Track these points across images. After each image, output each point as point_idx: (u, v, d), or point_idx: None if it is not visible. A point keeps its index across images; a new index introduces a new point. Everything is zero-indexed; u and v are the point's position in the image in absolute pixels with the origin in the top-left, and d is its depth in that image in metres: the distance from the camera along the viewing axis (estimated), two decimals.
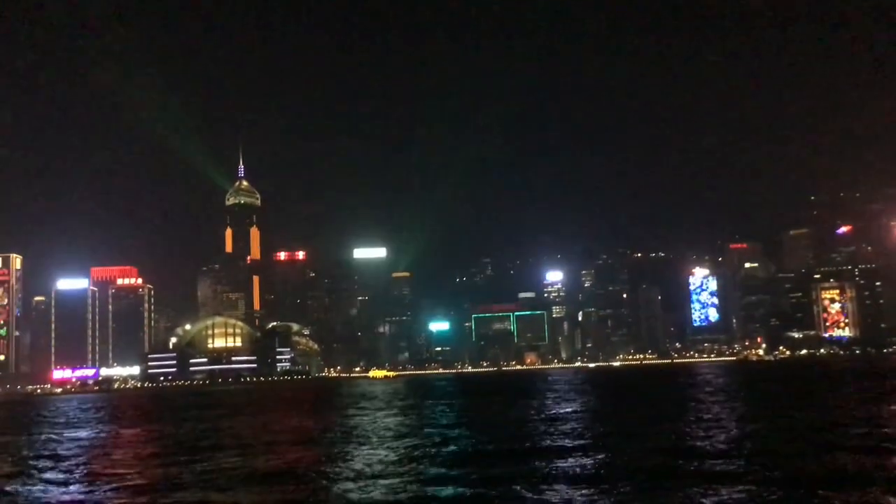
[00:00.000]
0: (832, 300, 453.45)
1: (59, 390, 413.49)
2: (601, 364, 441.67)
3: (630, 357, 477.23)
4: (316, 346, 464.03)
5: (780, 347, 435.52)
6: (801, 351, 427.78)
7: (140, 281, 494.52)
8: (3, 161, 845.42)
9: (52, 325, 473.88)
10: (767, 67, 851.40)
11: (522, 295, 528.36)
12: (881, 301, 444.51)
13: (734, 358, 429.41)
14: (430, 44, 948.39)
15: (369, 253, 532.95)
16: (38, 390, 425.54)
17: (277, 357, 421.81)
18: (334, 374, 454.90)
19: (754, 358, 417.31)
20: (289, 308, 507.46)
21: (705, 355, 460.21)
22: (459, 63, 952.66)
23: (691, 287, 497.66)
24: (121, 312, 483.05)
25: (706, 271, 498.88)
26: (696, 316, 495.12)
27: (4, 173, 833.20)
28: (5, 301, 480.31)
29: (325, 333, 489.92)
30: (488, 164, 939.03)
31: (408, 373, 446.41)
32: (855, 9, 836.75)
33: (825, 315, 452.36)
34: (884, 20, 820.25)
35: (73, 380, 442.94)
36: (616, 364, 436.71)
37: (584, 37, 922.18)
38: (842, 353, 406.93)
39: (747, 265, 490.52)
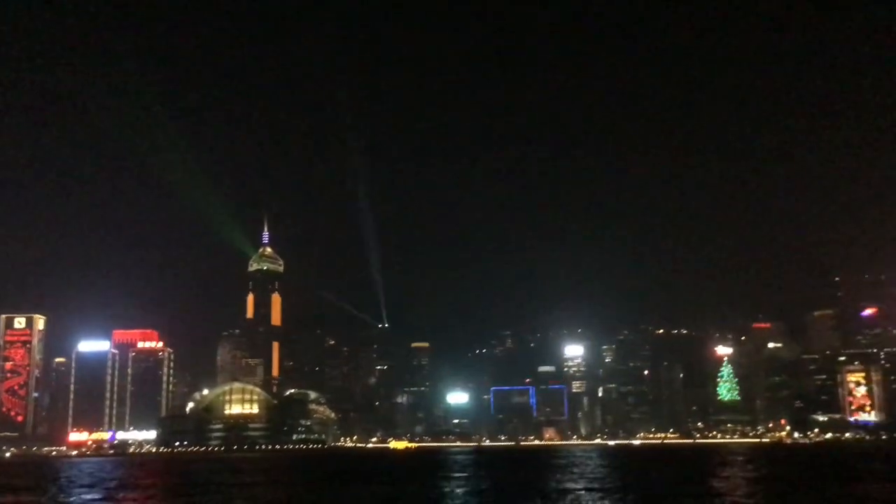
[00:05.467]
0: (857, 383, 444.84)
1: (74, 453, 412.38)
2: (621, 442, 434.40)
3: (651, 435, 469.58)
4: (333, 415, 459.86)
5: (816, 430, 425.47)
6: (826, 434, 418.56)
7: (160, 344, 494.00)
8: (31, 222, 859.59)
9: (72, 387, 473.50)
10: (798, 143, 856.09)
11: (542, 369, 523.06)
12: None
13: (759, 440, 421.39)
14: (455, 113, 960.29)
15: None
16: (54, 452, 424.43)
17: (294, 425, 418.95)
18: (350, 444, 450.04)
19: (788, 441, 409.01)
20: (307, 376, 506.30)
21: (728, 436, 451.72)
22: (485, 129, 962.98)
23: (713, 366, 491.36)
24: (139, 376, 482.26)
25: (729, 350, 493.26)
26: (719, 395, 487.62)
27: (31, 235, 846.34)
28: (26, 362, 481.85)
29: (343, 402, 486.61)
30: (510, 236, 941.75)
31: (426, 444, 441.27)
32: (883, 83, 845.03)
33: (850, 398, 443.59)
34: None
35: (89, 442, 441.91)
36: (636, 442, 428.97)
37: (602, 104, 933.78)
38: (868, 437, 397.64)
39: (771, 345, 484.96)
